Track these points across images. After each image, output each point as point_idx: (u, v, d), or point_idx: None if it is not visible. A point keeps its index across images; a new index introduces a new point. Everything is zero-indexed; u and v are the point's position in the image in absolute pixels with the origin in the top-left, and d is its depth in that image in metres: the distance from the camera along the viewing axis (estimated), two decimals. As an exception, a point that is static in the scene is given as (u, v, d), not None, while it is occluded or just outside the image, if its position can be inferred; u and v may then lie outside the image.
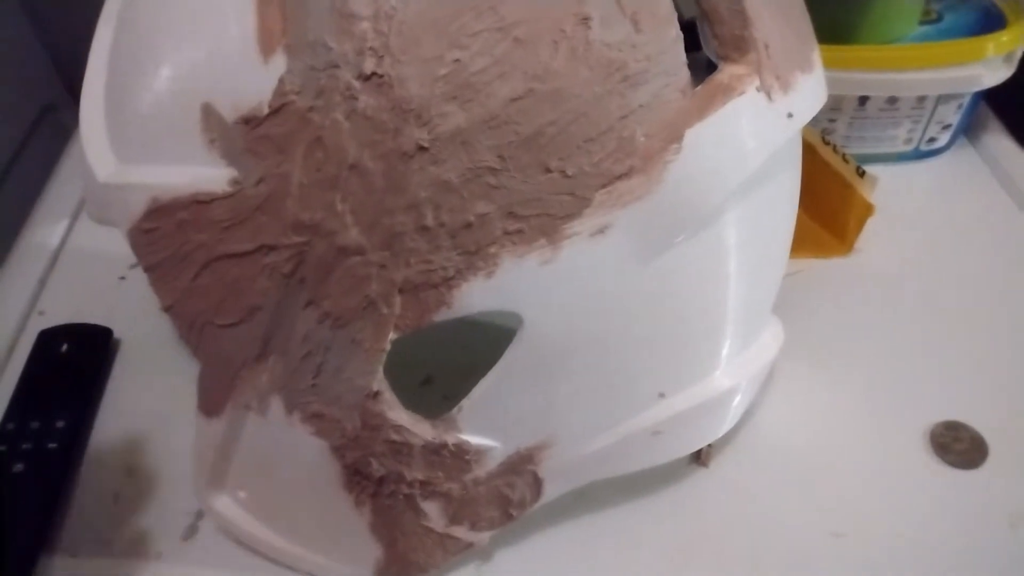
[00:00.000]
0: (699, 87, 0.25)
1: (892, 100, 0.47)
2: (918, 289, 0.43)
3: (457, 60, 0.22)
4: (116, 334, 0.41)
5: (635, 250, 0.25)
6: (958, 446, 0.35)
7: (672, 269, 0.26)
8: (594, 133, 0.23)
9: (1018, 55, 0.47)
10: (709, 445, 0.33)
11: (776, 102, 0.25)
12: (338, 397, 0.26)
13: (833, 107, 0.47)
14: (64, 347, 0.40)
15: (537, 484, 0.29)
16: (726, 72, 0.25)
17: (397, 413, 0.26)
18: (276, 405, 0.27)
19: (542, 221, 0.23)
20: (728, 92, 0.24)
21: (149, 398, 0.38)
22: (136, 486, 0.35)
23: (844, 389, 0.38)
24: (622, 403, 0.28)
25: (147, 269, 0.26)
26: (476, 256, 0.23)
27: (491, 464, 0.28)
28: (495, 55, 0.22)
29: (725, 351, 0.30)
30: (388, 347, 0.24)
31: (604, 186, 0.23)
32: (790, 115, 0.26)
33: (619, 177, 0.23)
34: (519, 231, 0.23)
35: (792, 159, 0.30)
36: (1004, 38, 0.45)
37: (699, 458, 0.35)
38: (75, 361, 0.39)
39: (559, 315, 0.25)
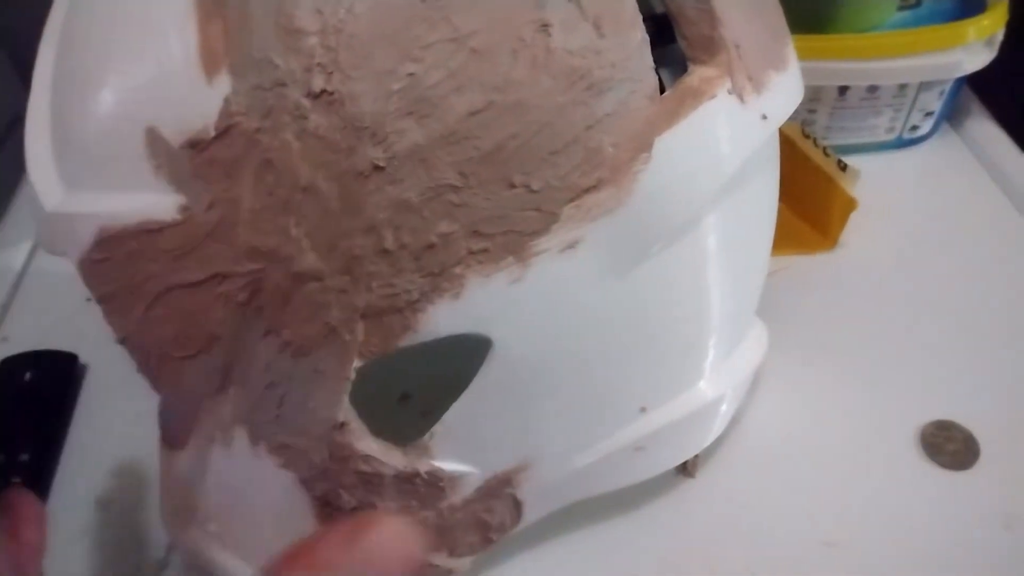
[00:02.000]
0: (667, 92, 0.23)
1: (872, 89, 0.46)
2: (905, 283, 0.42)
3: (411, 74, 0.20)
4: (82, 359, 0.40)
5: (608, 264, 0.24)
6: (950, 446, 0.34)
7: (648, 281, 0.25)
8: (559, 145, 0.22)
9: (999, 38, 0.46)
10: (695, 455, 0.32)
11: (749, 104, 0.24)
12: (304, 428, 0.24)
13: (813, 98, 0.46)
14: (28, 375, 0.38)
15: (517, 507, 0.28)
16: (696, 75, 0.24)
17: (366, 443, 0.25)
18: (241, 437, 0.26)
19: (508, 239, 0.22)
20: (698, 96, 0.23)
21: (118, 426, 0.37)
22: (105, 519, 0.34)
23: (831, 389, 0.37)
24: (602, 420, 0.27)
25: (99, 301, 0.25)
26: (441, 278, 0.22)
27: (467, 490, 0.27)
28: (451, 67, 0.21)
29: (708, 360, 0.29)
30: (353, 376, 0.23)
31: (572, 200, 0.22)
32: (764, 117, 0.25)
33: (587, 190, 0.22)
34: (485, 250, 0.22)
35: (769, 160, 0.29)
36: (985, 22, 0.44)
37: (685, 468, 0.34)
38: (40, 390, 0.38)
39: (531, 335, 0.24)
